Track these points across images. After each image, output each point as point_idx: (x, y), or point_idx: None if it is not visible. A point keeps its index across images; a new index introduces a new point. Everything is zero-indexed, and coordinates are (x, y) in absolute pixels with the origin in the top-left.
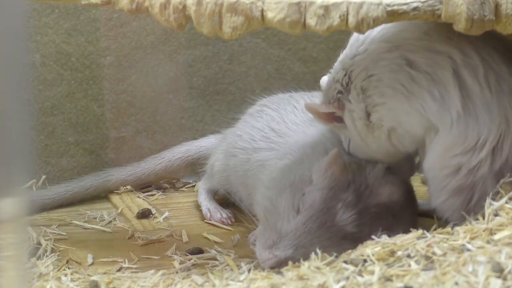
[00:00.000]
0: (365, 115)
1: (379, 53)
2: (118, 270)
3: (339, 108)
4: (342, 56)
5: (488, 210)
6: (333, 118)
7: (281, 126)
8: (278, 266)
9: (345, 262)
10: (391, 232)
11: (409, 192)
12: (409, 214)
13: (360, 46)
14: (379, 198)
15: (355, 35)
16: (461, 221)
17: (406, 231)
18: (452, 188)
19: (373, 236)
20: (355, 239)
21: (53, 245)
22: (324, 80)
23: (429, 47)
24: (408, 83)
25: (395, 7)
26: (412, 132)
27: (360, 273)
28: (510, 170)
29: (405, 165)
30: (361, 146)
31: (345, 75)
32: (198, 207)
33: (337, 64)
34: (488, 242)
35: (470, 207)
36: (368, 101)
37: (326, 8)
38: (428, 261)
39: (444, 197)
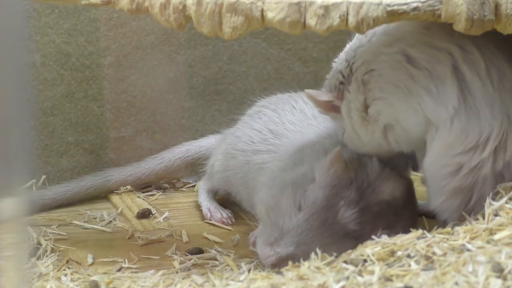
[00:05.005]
0: (362, 107)
1: (379, 47)
2: (118, 270)
3: (338, 97)
4: (348, 46)
5: (488, 210)
6: (331, 108)
7: (279, 127)
8: (279, 263)
9: (345, 262)
10: (392, 230)
11: (409, 188)
12: (410, 211)
13: (364, 38)
14: (381, 196)
15: None
16: (460, 221)
17: (407, 227)
18: (452, 188)
19: (373, 236)
20: (356, 237)
21: (53, 245)
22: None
23: (429, 43)
24: (407, 81)
25: (395, 7)
26: (410, 131)
27: (360, 273)
28: (511, 172)
29: (400, 160)
30: (354, 138)
31: (347, 66)
32: (198, 207)
33: (342, 54)
34: (488, 242)
35: (469, 208)
36: (368, 94)
37: (326, 8)
38: (428, 261)
39: (443, 198)
